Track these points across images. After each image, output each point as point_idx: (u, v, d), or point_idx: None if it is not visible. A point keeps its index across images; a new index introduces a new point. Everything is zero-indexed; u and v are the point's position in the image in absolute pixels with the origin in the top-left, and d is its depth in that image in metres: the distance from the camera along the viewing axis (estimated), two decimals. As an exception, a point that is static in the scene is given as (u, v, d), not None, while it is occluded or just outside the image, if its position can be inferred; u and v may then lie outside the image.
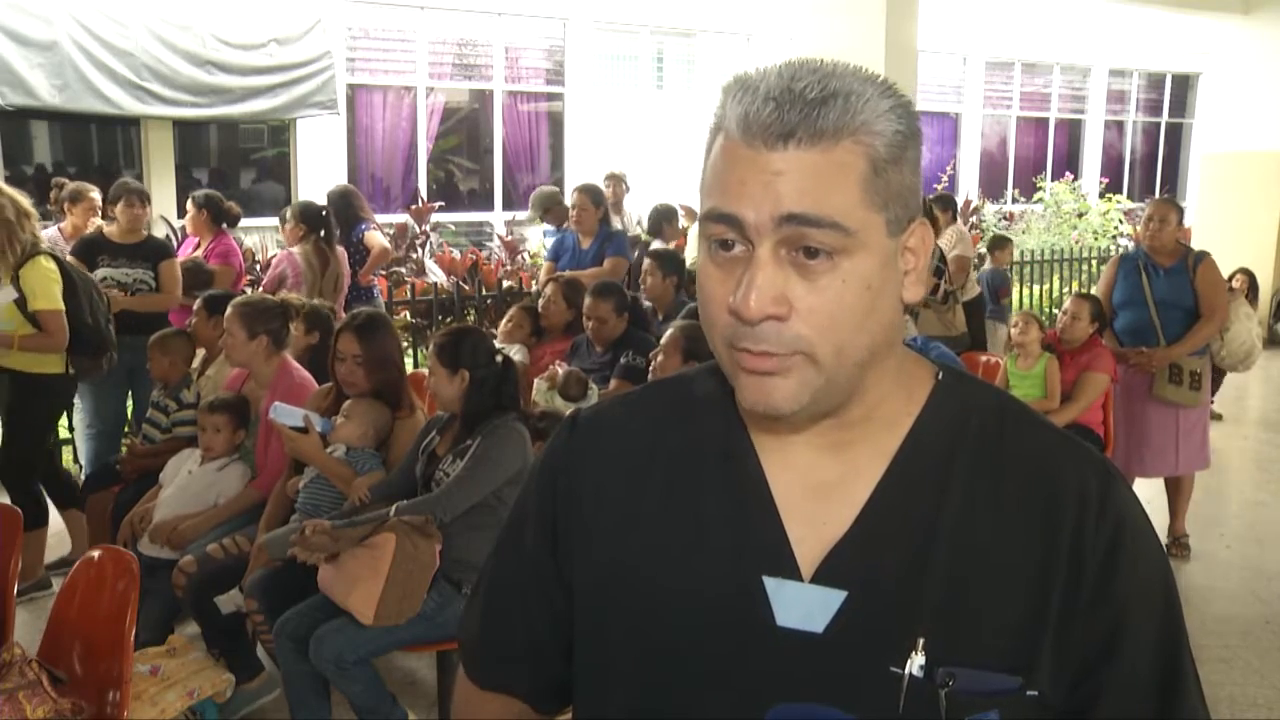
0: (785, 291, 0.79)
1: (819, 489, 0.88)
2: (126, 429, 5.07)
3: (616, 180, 7.90)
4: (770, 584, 0.86)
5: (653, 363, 3.48)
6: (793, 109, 0.77)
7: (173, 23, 8.22)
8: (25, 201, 4.02)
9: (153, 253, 5.01)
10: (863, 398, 0.86)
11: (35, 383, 4.06)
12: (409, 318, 6.83)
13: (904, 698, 0.82)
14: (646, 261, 5.18)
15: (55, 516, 4.34)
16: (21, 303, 3.92)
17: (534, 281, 6.99)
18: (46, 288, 3.93)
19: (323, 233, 5.64)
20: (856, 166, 0.78)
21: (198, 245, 5.72)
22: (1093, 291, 4.92)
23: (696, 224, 8.19)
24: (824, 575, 0.85)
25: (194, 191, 6.00)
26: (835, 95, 0.78)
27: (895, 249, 0.82)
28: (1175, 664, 0.88)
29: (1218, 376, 5.79)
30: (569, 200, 6.43)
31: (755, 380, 0.82)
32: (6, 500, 3.73)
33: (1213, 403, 7.07)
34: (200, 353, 4.38)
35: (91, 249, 4.82)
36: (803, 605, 0.85)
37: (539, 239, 6.71)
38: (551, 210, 6.64)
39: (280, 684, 3.05)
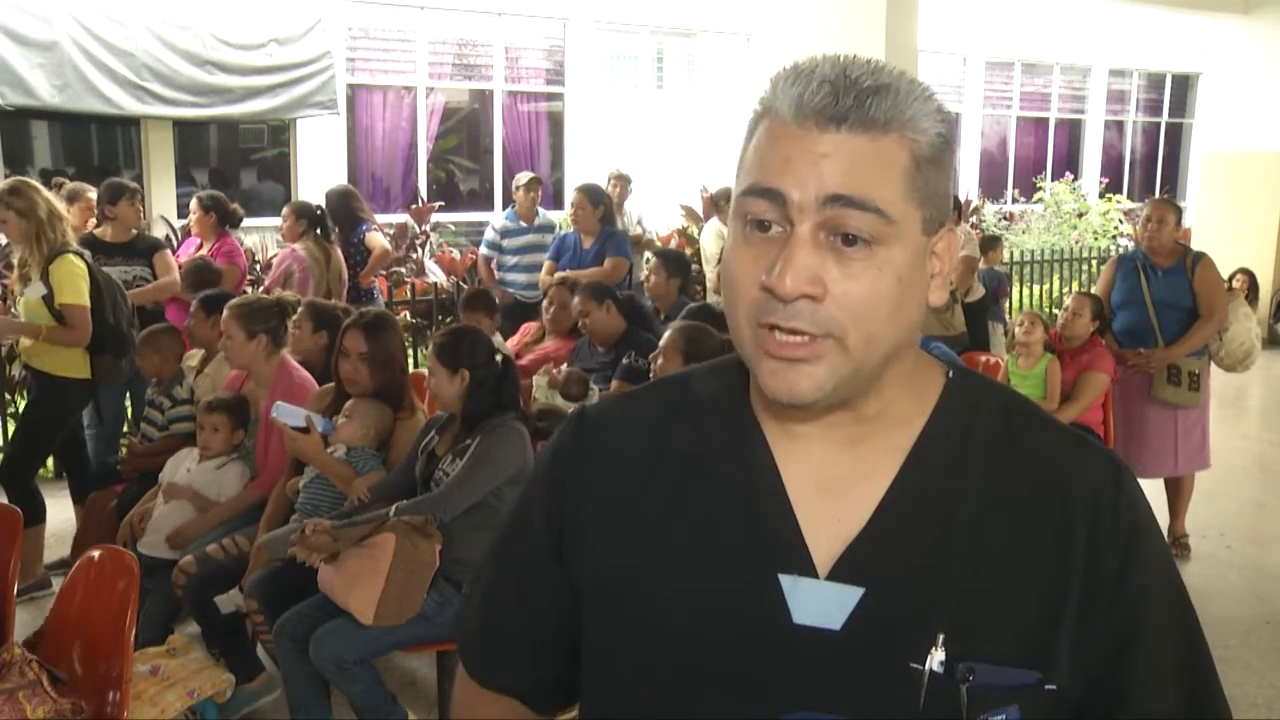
0: (821, 274, 0.79)
1: (832, 486, 0.88)
2: (126, 429, 5.08)
3: (622, 181, 7.93)
4: (786, 581, 0.85)
5: (652, 365, 3.48)
6: (847, 94, 0.79)
7: (173, 23, 8.22)
8: (60, 205, 4.15)
9: (146, 248, 5.08)
10: (879, 394, 0.87)
11: (58, 386, 4.15)
12: (409, 318, 6.84)
13: (924, 694, 0.82)
14: (651, 261, 5.19)
15: (54, 518, 4.35)
16: (50, 299, 4.00)
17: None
18: (74, 283, 4.02)
19: (320, 229, 5.66)
20: (900, 159, 0.80)
21: (200, 246, 5.74)
22: (1094, 293, 4.92)
23: (703, 224, 8.19)
24: (840, 572, 0.85)
25: (199, 193, 6.01)
26: (887, 88, 0.80)
27: (926, 249, 0.83)
28: (1198, 657, 0.89)
29: None
30: (569, 200, 6.43)
31: (781, 366, 0.82)
32: (6, 500, 3.74)
33: None
34: (199, 352, 4.38)
35: (89, 250, 4.84)
36: (819, 602, 0.85)
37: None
38: (515, 194, 6.64)
39: (280, 684, 3.05)
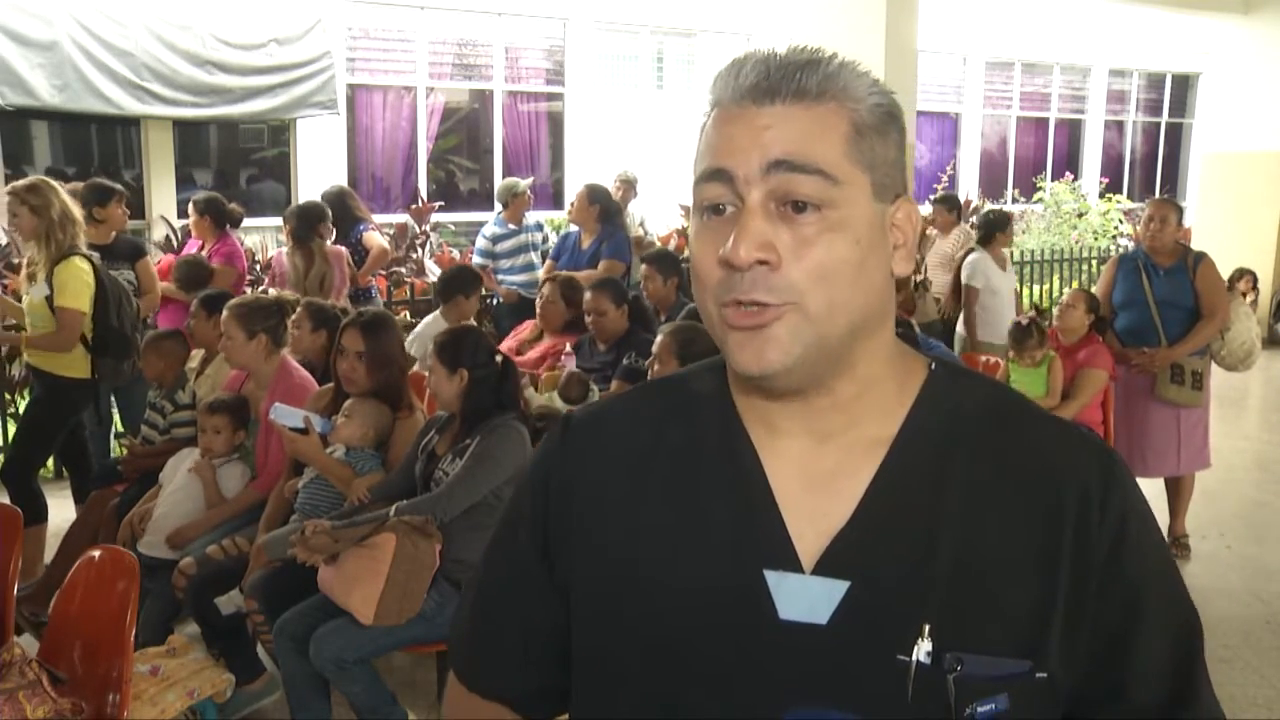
0: (774, 241, 0.81)
1: (816, 480, 0.88)
2: (124, 430, 5.08)
3: (626, 185, 7.94)
4: (771, 577, 0.86)
5: (650, 371, 3.46)
6: (779, 70, 0.83)
7: (173, 23, 8.22)
8: (77, 210, 4.15)
9: (128, 252, 5.06)
10: (854, 372, 0.87)
11: (59, 385, 4.17)
12: (409, 317, 6.84)
13: (912, 685, 0.82)
14: (643, 268, 5.18)
15: (55, 517, 4.35)
16: (52, 300, 4.02)
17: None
18: (75, 287, 4.03)
19: (303, 233, 5.67)
20: (839, 126, 0.82)
21: (201, 247, 5.75)
22: (1092, 291, 4.93)
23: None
24: (825, 566, 0.85)
25: (195, 196, 6.02)
26: (818, 63, 0.84)
27: (882, 215, 0.85)
28: (1189, 644, 0.89)
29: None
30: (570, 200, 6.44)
31: (745, 336, 0.83)
32: (6, 500, 3.74)
33: None
34: (199, 353, 4.39)
35: None
36: (805, 597, 0.85)
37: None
38: (509, 204, 6.67)
39: (280, 684, 3.05)
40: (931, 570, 0.84)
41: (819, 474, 0.88)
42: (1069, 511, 0.85)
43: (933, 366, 0.92)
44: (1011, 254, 6.57)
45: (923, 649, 0.82)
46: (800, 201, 0.81)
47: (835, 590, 0.84)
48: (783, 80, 0.82)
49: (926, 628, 0.82)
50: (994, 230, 6.16)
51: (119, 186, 5.24)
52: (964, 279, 6.05)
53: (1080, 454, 0.88)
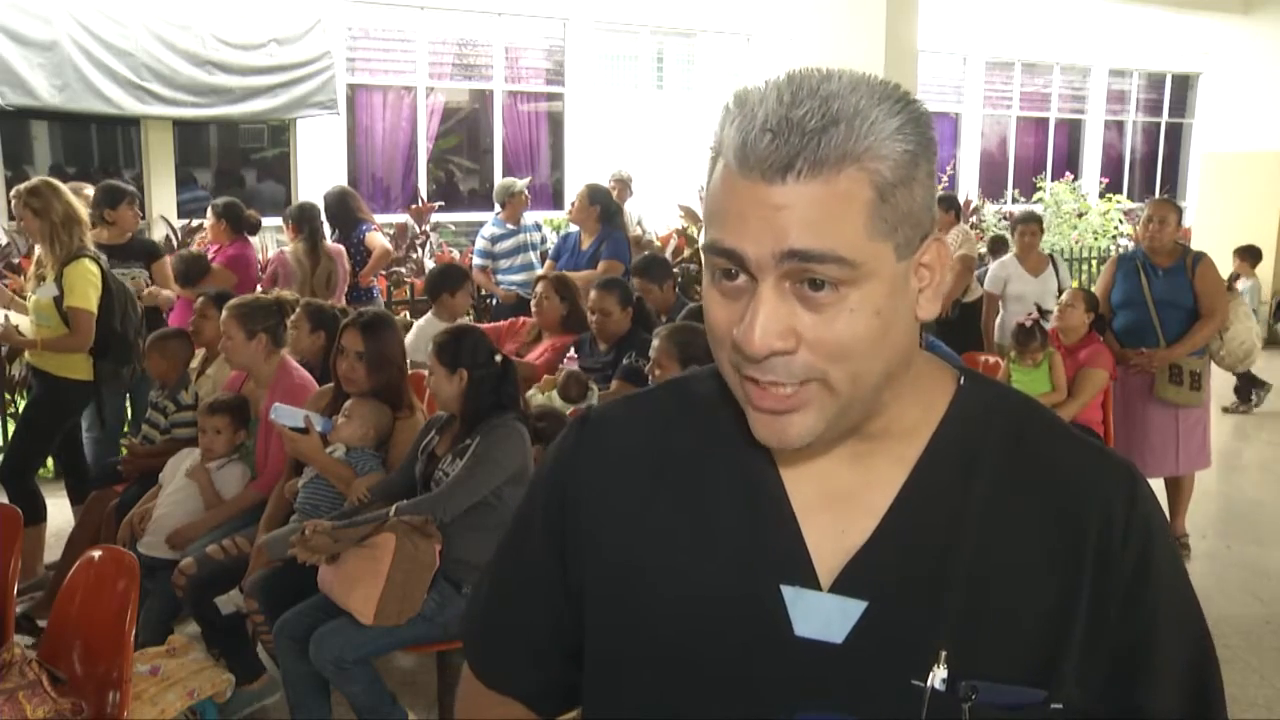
0: (791, 324, 0.77)
1: (837, 497, 0.87)
2: (126, 430, 5.08)
3: (621, 184, 7.93)
4: (789, 593, 0.85)
5: (651, 377, 3.43)
6: (791, 139, 0.74)
7: (173, 23, 8.22)
8: (82, 211, 4.16)
9: (143, 252, 5.08)
10: (881, 413, 0.85)
11: (60, 386, 4.17)
12: (409, 318, 6.84)
13: (926, 711, 0.81)
14: (635, 281, 5.17)
15: (54, 518, 4.35)
16: (60, 301, 4.03)
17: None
18: (83, 288, 4.04)
19: (311, 231, 5.68)
20: (861, 195, 0.75)
21: (218, 250, 5.76)
22: (1091, 291, 4.93)
23: (702, 224, 8.22)
24: (843, 585, 0.84)
25: (214, 200, 6.04)
26: (837, 121, 0.74)
27: (906, 271, 0.80)
28: (1207, 671, 0.89)
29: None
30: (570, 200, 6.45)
31: (767, 417, 0.80)
32: (5, 500, 3.74)
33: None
34: (200, 352, 4.39)
35: None
36: (822, 615, 0.84)
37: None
38: (506, 204, 6.68)
39: (280, 684, 3.05)
40: (951, 593, 0.82)
41: (839, 491, 0.87)
42: (1091, 536, 0.84)
43: (961, 381, 0.90)
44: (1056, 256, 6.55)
45: (938, 675, 0.81)
46: (818, 280, 0.76)
47: (852, 610, 0.83)
48: (798, 153, 0.73)
49: (943, 654, 0.81)
50: (1011, 233, 6.23)
51: (130, 188, 5.26)
52: (984, 284, 6.14)
53: (1106, 477, 0.87)
